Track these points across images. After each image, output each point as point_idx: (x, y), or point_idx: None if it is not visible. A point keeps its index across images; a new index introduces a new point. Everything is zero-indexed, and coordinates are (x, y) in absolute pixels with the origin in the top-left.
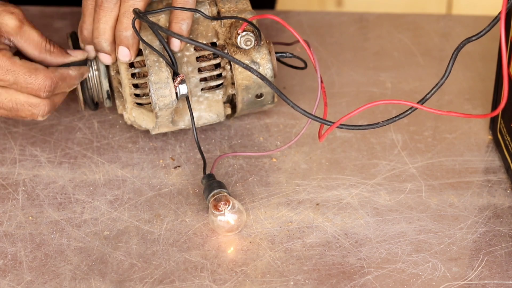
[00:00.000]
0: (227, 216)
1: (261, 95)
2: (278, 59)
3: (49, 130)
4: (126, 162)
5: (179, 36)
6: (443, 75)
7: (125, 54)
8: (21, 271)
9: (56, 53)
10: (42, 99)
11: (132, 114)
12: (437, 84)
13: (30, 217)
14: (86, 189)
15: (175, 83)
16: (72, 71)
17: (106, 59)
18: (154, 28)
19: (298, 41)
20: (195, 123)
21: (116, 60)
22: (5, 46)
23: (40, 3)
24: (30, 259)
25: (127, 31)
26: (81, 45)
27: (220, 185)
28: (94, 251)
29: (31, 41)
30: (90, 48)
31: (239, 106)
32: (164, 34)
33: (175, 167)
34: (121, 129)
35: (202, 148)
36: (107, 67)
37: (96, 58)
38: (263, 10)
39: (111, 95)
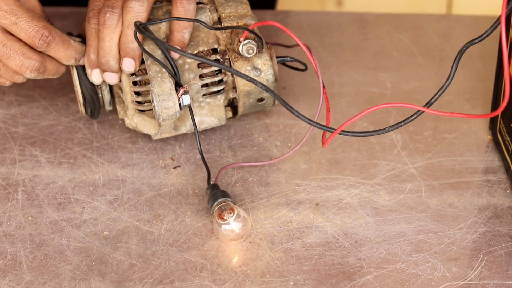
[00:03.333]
0: (231, 225)
1: (262, 99)
2: (278, 62)
3: (49, 130)
4: (126, 162)
5: (182, 52)
6: (447, 79)
7: (130, 65)
8: (20, 271)
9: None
10: (35, 53)
11: (134, 120)
12: (441, 88)
13: (30, 217)
14: (85, 189)
15: (179, 95)
16: (74, 41)
17: (112, 78)
18: (157, 43)
19: (297, 45)
20: (197, 127)
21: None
22: None
23: (40, 3)
24: (29, 259)
25: (133, 43)
26: (88, 70)
27: (224, 194)
28: (93, 251)
29: (33, 7)
30: (96, 73)
31: (241, 110)
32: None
33: (174, 167)
34: (120, 129)
35: (202, 148)
36: None
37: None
38: (264, 10)
39: (112, 100)
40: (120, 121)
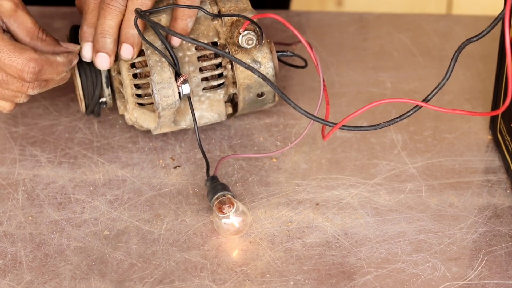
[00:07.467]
0: (231, 219)
1: (262, 94)
2: (278, 58)
3: (49, 130)
4: (126, 162)
5: (181, 36)
6: (445, 76)
7: (128, 52)
8: (21, 271)
9: (47, 42)
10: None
11: (134, 114)
12: (439, 85)
13: (30, 217)
14: (86, 189)
15: (178, 83)
16: (60, 57)
17: (104, 61)
18: (156, 27)
19: (297, 42)
20: (197, 122)
21: (113, 64)
22: None
23: (40, 3)
24: (30, 259)
25: (134, 29)
26: (81, 43)
27: (224, 188)
28: (94, 251)
29: (23, 26)
30: (88, 46)
31: (241, 105)
32: (165, 34)
33: (175, 167)
34: (121, 129)
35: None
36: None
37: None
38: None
39: (112, 95)
40: (120, 121)
